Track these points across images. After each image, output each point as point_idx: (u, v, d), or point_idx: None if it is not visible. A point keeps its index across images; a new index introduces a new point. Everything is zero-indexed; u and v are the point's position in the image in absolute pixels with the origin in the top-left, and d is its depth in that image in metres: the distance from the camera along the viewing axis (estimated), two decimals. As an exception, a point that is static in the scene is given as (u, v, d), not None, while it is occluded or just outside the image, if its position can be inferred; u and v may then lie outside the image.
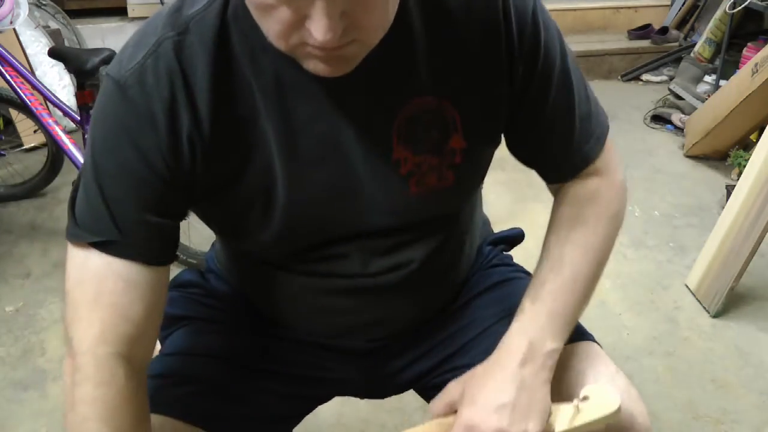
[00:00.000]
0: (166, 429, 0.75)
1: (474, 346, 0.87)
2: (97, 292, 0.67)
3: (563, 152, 0.79)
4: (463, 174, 0.75)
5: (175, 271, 1.00)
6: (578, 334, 0.84)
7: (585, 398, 0.73)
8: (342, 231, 0.76)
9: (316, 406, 0.96)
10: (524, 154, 0.82)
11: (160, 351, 0.90)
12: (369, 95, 0.69)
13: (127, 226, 0.67)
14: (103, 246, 0.67)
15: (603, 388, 0.73)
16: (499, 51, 0.70)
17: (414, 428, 0.74)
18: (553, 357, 0.73)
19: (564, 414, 0.72)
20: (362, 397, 0.99)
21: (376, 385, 0.94)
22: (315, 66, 0.61)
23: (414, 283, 0.81)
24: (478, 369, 0.74)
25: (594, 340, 0.85)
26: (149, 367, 0.79)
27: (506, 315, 0.82)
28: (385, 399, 0.99)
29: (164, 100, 0.65)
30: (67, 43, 3.29)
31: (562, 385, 0.77)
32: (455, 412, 0.73)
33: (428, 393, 0.92)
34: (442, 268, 0.85)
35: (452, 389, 0.75)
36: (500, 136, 0.79)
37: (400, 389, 0.96)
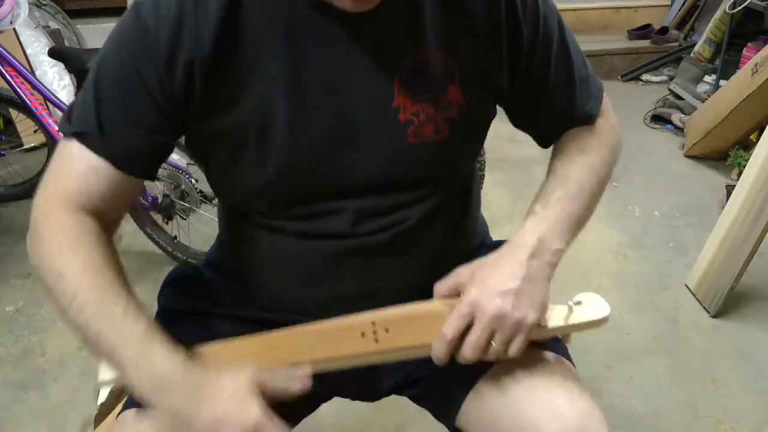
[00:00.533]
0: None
1: None
2: (65, 171, 0.75)
3: (566, 114, 0.86)
4: (458, 130, 0.79)
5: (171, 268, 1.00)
6: (552, 348, 0.83)
7: (578, 303, 0.79)
8: (338, 180, 0.78)
9: (314, 404, 0.97)
10: (527, 121, 0.89)
11: None
12: (376, 43, 0.74)
13: (109, 127, 0.74)
14: (82, 137, 0.74)
15: (595, 297, 0.80)
16: (499, 19, 0.76)
17: (415, 304, 0.78)
18: (558, 256, 0.78)
19: (558, 313, 0.78)
20: (352, 396, 0.99)
21: (362, 380, 0.93)
22: (342, 2, 0.67)
23: (403, 247, 0.83)
24: (490, 257, 0.78)
25: (568, 358, 0.85)
26: None
27: None
28: (386, 399, 0.99)
29: (171, 23, 0.70)
30: (67, 43, 3.29)
31: (519, 401, 0.77)
32: (458, 295, 0.76)
33: (410, 399, 0.95)
34: (433, 239, 0.85)
35: (461, 272, 0.77)
36: (494, 101, 0.83)
37: (384, 390, 0.96)
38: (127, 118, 0.74)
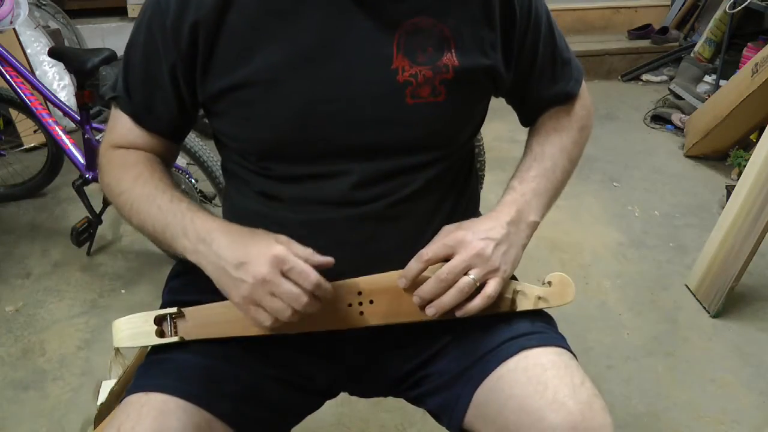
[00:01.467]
0: (169, 406, 0.78)
1: (446, 354, 0.88)
2: (112, 128, 0.91)
3: (550, 93, 0.94)
4: (455, 93, 0.83)
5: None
6: (552, 341, 0.84)
7: (549, 283, 0.87)
8: (339, 139, 0.82)
9: (318, 401, 0.97)
10: (515, 98, 0.97)
11: None
12: (375, 8, 0.80)
13: (133, 90, 0.87)
14: (117, 100, 0.90)
15: (565, 279, 0.86)
16: (493, 2, 0.83)
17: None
18: (533, 228, 0.87)
19: (528, 299, 0.86)
20: (350, 390, 0.99)
21: (362, 377, 0.94)
22: None
23: (401, 216, 0.85)
24: (474, 219, 0.86)
25: (568, 349, 0.86)
26: (153, 350, 0.85)
27: (483, 321, 0.84)
28: (386, 399, 0.99)
29: None
30: (67, 43, 3.29)
31: (523, 394, 0.78)
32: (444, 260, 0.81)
33: (409, 401, 0.95)
34: (431, 212, 0.87)
35: (446, 228, 0.84)
36: (491, 72, 0.86)
37: (384, 390, 0.96)
38: (146, 81, 0.86)
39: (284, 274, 0.74)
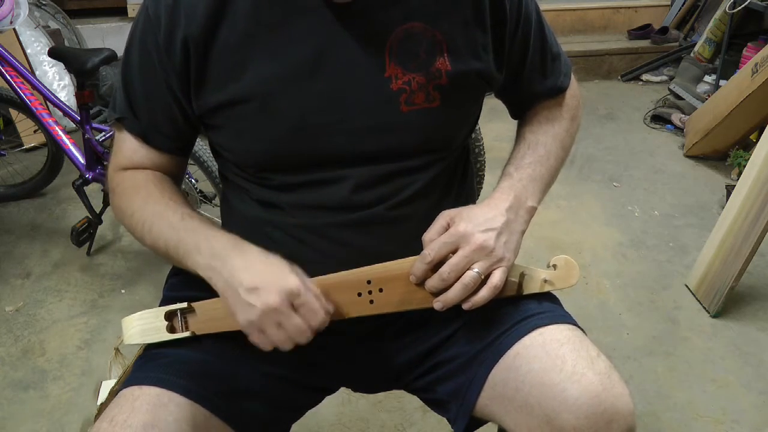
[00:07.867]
0: (163, 400, 0.78)
1: (457, 340, 0.89)
2: (117, 150, 0.91)
3: (541, 88, 0.95)
4: (449, 97, 0.84)
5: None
6: (562, 318, 0.86)
7: (554, 266, 0.88)
8: (335, 148, 0.82)
9: (319, 397, 0.97)
10: (506, 93, 0.97)
11: None
12: (365, 17, 0.80)
13: (138, 109, 0.86)
14: (122, 121, 0.88)
15: (570, 262, 0.88)
16: (483, 5, 0.84)
17: (410, 260, 0.83)
18: (531, 213, 0.88)
19: (534, 282, 0.88)
20: (354, 385, 0.99)
21: (367, 368, 0.94)
22: None
23: (400, 219, 0.85)
24: (472, 206, 0.85)
25: (578, 326, 0.87)
26: (150, 345, 0.86)
27: (491, 305, 0.84)
28: (386, 399, 0.99)
29: (168, 6, 0.80)
30: (67, 43, 3.29)
31: (542, 368, 0.79)
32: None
33: (416, 391, 0.96)
34: (431, 212, 0.87)
35: (446, 213, 0.84)
36: (483, 74, 0.86)
37: (388, 381, 0.97)
38: (148, 98, 0.85)
39: (294, 308, 0.76)
